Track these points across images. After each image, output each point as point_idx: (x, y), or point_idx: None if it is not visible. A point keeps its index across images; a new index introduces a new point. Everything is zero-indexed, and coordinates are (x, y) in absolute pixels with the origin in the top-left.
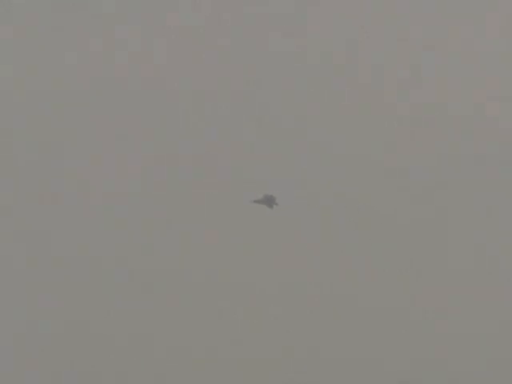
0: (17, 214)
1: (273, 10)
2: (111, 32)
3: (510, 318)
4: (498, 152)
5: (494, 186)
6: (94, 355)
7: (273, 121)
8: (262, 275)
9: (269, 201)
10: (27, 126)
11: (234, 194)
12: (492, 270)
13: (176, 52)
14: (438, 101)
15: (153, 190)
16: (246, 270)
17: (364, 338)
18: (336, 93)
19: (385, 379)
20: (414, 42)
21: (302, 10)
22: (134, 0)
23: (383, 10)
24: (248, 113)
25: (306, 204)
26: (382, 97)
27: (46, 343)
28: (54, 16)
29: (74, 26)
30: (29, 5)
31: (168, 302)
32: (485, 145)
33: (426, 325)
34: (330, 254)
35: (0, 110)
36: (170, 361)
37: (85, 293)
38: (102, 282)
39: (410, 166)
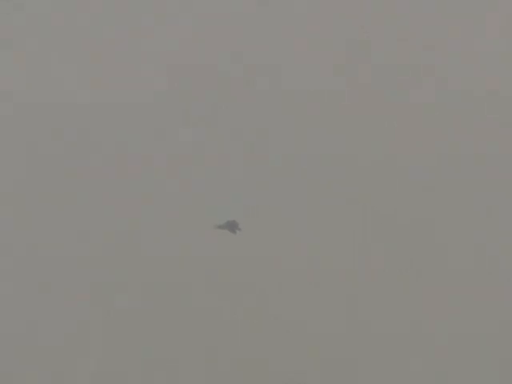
0: (16, 214)
1: (273, 9)
2: (111, 32)
3: (510, 318)
4: (498, 152)
5: (494, 185)
6: (94, 355)
7: (273, 121)
8: (262, 275)
9: (231, 226)
10: (27, 126)
11: (234, 193)
12: (492, 270)
13: (176, 52)
14: (438, 101)
15: (152, 189)
16: (246, 269)
17: (364, 338)
18: (336, 93)
19: (385, 379)
20: (414, 42)
21: (302, 9)
22: (133, 0)
23: (383, 10)
24: (248, 113)
25: (306, 204)
26: (382, 97)
27: (45, 343)
28: (53, 16)
29: (74, 25)
30: (28, 5)
31: (168, 301)
32: (485, 145)
33: (425, 325)
34: (329, 254)
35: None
36: (170, 361)
37: (84, 293)
38: (102, 281)
39: (409, 165)
